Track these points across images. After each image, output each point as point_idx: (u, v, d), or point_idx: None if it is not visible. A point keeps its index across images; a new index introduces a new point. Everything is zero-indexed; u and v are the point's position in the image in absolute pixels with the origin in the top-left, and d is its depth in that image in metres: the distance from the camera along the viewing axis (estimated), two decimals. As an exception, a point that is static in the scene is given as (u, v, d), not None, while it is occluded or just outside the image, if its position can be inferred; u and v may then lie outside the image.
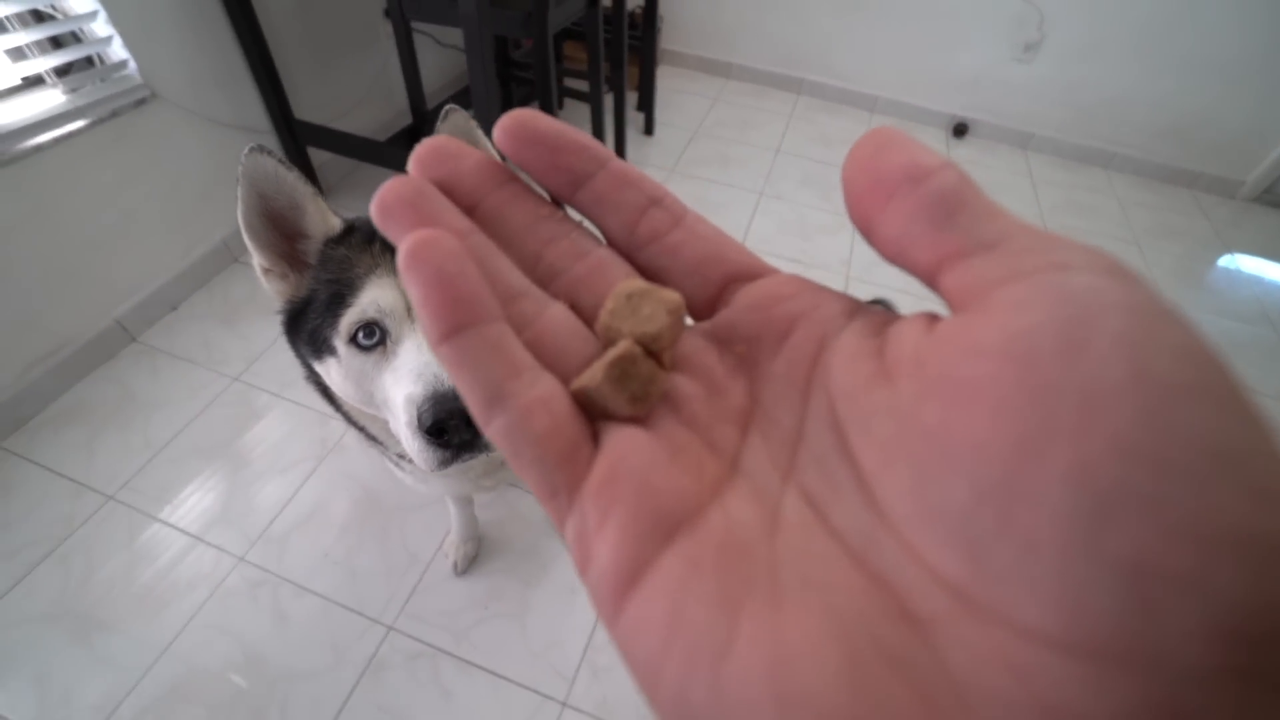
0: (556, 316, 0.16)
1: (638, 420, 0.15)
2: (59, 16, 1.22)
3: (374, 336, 0.52)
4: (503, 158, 0.17)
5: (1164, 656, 0.08)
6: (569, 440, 0.14)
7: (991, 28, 2.45)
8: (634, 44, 2.18)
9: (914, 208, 0.14)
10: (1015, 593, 0.10)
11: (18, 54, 1.17)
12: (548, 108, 1.68)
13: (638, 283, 0.15)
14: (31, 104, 1.20)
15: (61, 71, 1.25)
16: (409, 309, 0.53)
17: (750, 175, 2.27)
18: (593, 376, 0.14)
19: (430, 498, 1.24)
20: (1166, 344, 0.10)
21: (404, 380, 0.51)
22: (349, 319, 0.51)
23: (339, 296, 0.52)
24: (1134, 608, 0.09)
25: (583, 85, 1.98)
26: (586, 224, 0.18)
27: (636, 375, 0.14)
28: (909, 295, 1.69)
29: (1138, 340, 0.10)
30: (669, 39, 2.85)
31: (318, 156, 1.80)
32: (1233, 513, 0.09)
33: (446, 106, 0.55)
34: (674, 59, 2.92)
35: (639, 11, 2.17)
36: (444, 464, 0.54)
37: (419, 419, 0.50)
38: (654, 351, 0.14)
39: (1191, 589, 0.08)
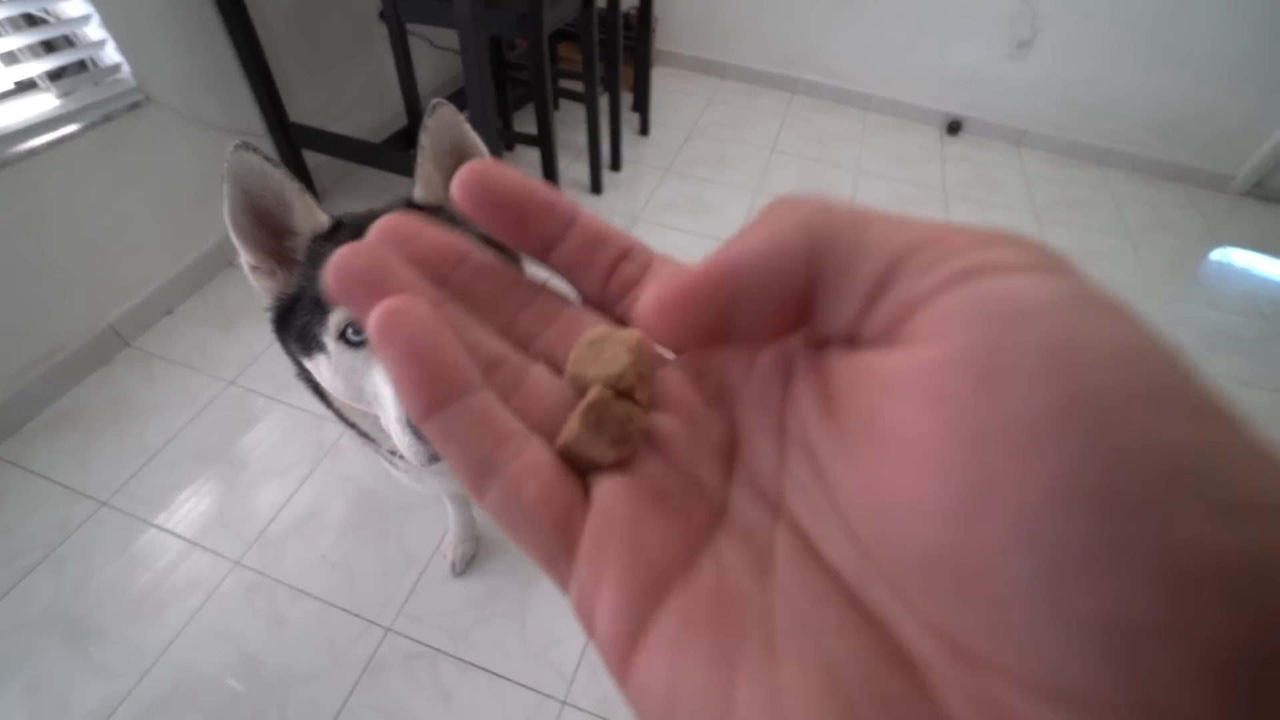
0: (540, 378, 0.16)
1: (624, 463, 0.14)
2: (51, 20, 1.22)
3: (362, 333, 0.52)
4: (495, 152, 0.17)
5: (1156, 705, 0.08)
6: (561, 504, 0.13)
7: (984, 25, 2.46)
8: (629, 45, 2.19)
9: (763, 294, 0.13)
10: (996, 646, 0.09)
11: (10, 58, 1.17)
12: (543, 109, 1.69)
13: (598, 329, 0.15)
14: (24, 108, 1.19)
15: (54, 75, 1.25)
16: None
17: (745, 174, 2.27)
18: (570, 430, 0.14)
19: (427, 497, 1.24)
20: (1100, 349, 0.09)
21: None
22: (338, 316, 0.51)
23: (325, 294, 0.52)
24: (1116, 663, 0.08)
25: (578, 86, 1.98)
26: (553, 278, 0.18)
27: (612, 418, 0.14)
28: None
29: (1066, 353, 0.09)
30: (664, 39, 2.85)
31: (313, 159, 1.80)
32: (1202, 541, 0.08)
33: (433, 101, 0.55)
34: (669, 59, 2.93)
35: (634, 12, 2.17)
36: (434, 459, 0.54)
37: (409, 416, 0.50)
38: (624, 391, 0.14)
39: (1172, 637, 0.08)
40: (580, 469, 0.14)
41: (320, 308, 0.51)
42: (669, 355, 0.16)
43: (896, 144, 2.59)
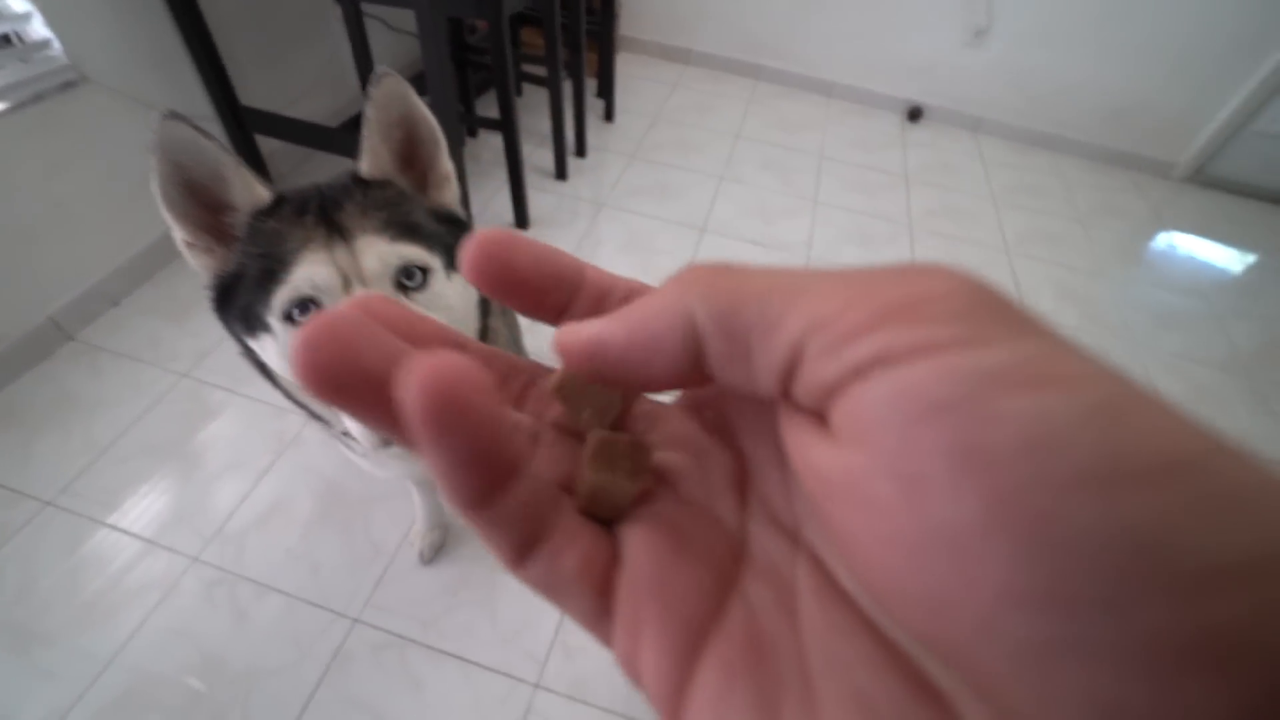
0: (550, 437, 0.16)
1: (644, 506, 0.14)
2: (-28, -8, 1.15)
3: (309, 313, 0.51)
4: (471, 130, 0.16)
5: None
6: (599, 568, 0.13)
7: (943, 14, 2.51)
8: (592, 30, 2.16)
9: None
10: (1004, 698, 0.09)
11: (-73, 32, 1.10)
12: (505, 93, 1.66)
13: (577, 375, 0.15)
14: (-55, 86, 1.12)
15: (-22, 52, 1.18)
16: (345, 283, 0.51)
17: (710, 160, 2.28)
18: (585, 482, 0.14)
19: (392, 484, 1.22)
20: (1011, 440, 0.08)
21: None
22: (282, 296, 0.49)
23: (270, 272, 0.49)
24: None
25: (541, 71, 1.95)
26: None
27: (621, 453, 0.14)
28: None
29: (977, 453, 0.08)
30: (628, 25, 2.83)
31: (266, 145, 1.74)
32: (1171, 627, 0.07)
33: (378, 70, 0.54)
34: (633, 45, 2.91)
35: (595, -4, 2.15)
36: (386, 444, 0.53)
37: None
38: (620, 425, 0.14)
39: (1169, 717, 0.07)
40: (604, 516, 0.14)
41: (263, 286, 0.49)
42: (664, 398, 0.16)
43: (859, 130, 2.62)
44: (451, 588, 1.11)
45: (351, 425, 0.51)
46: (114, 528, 1.14)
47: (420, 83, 1.86)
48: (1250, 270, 2.34)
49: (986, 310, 0.10)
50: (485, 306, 0.70)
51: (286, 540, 1.16)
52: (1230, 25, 2.32)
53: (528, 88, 2.41)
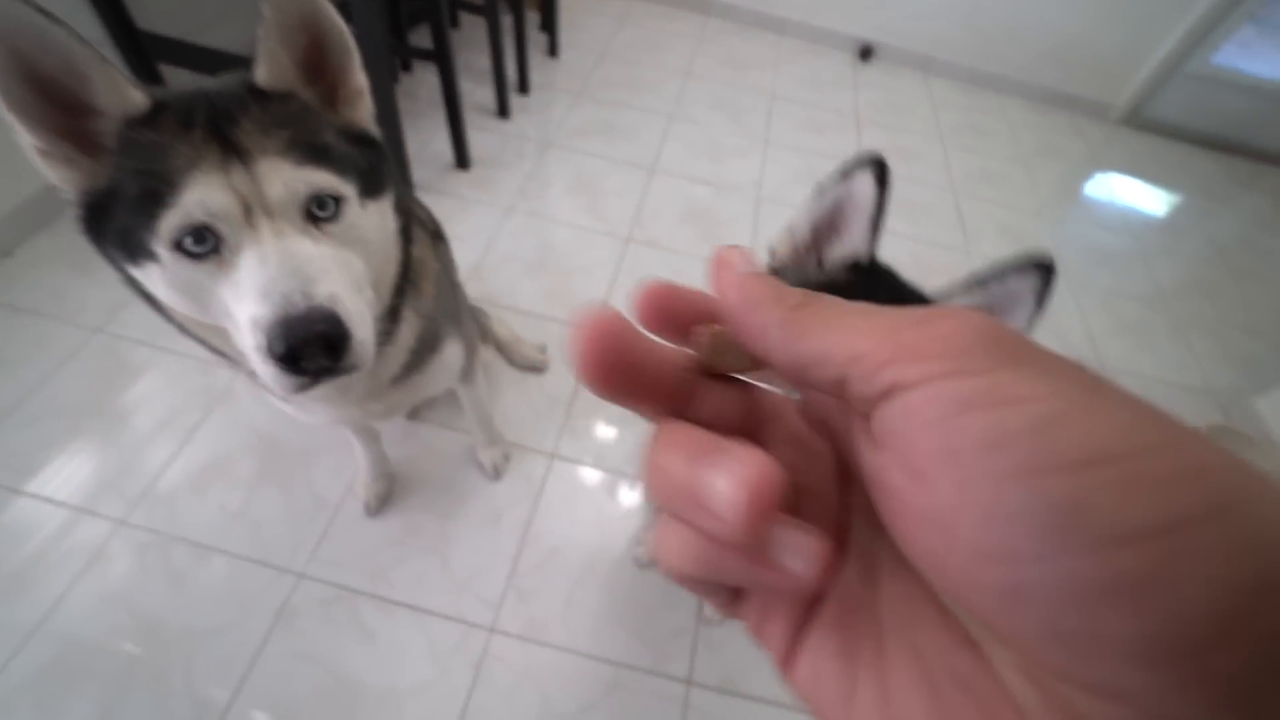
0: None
1: (758, 366, 0.17)
2: None
3: (205, 243, 0.45)
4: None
5: (1118, 689, 0.11)
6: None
7: (893, -54, 2.44)
8: (530, -46, 2.02)
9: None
10: (1000, 632, 0.12)
11: None
12: (438, 21, 1.54)
13: (728, 334, 0.18)
14: None
15: None
16: (247, 211, 0.46)
17: (660, 99, 2.20)
18: (703, 345, 0.18)
19: (330, 434, 1.17)
20: (974, 442, 0.11)
21: (248, 298, 0.45)
22: (171, 222, 0.44)
23: (153, 193, 0.43)
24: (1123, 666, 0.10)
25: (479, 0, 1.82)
26: None
27: (729, 345, 0.17)
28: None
29: (952, 456, 0.12)
30: (570, -47, 2.66)
31: (175, 76, 1.57)
32: (1096, 573, 0.10)
33: None
34: (577, -24, 2.74)
35: (533, -84, 2.00)
36: (300, 389, 0.49)
37: (268, 346, 0.44)
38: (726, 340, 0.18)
39: (1091, 641, 0.10)
40: (720, 374, 0.18)
41: (145, 209, 0.43)
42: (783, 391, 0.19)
43: (811, 69, 2.57)
44: (400, 537, 1.09)
45: (262, 368, 0.47)
46: (34, 496, 1.06)
47: (347, 9, 1.72)
48: (1175, 211, 2.45)
49: (980, 347, 0.12)
50: (407, 235, 0.65)
51: (222, 498, 1.10)
52: (1170, -37, 2.34)
53: (466, 19, 2.25)
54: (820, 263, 0.59)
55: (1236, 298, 2.04)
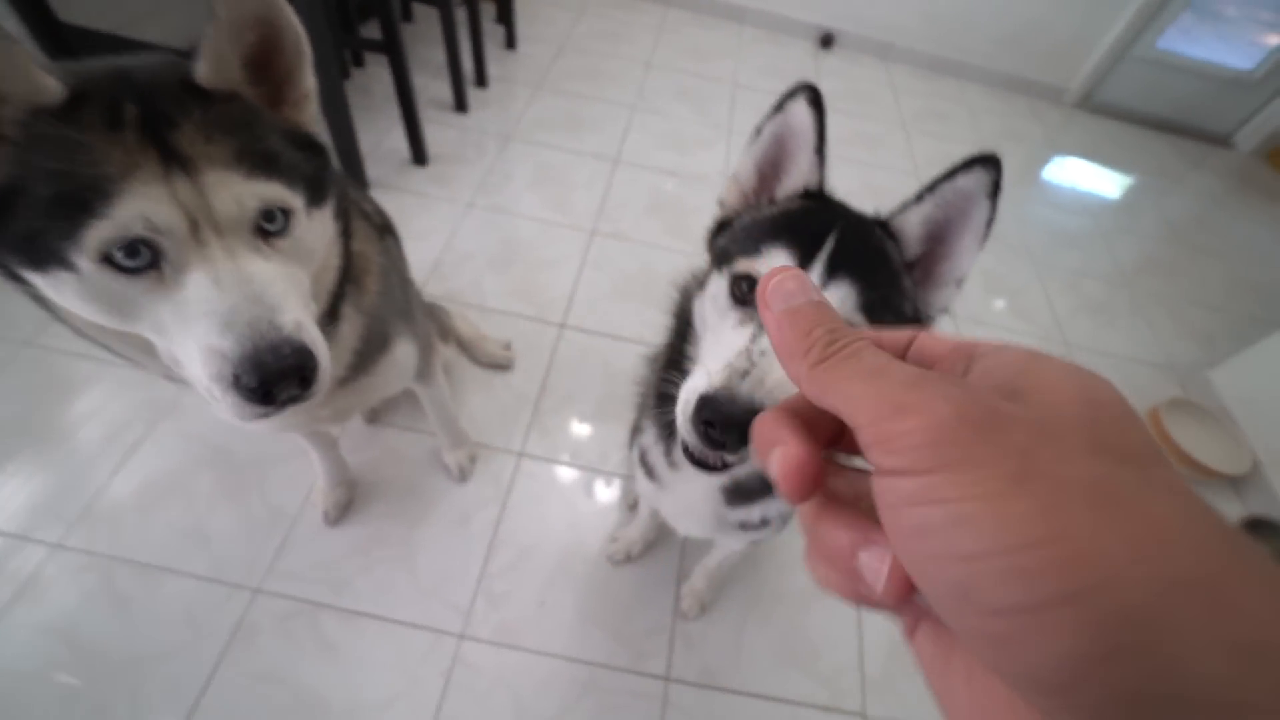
0: None
1: None
2: None
3: (139, 257, 0.41)
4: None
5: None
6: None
7: (849, -66, 2.45)
8: (483, -57, 1.97)
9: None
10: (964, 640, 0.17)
11: None
12: (389, 17, 1.48)
13: None
14: None
15: None
16: (194, 227, 0.42)
17: (622, 90, 2.17)
18: None
19: (285, 442, 1.12)
20: (911, 519, 0.16)
21: (202, 325, 0.42)
22: (101, 234, 0.39)
23: (75, 199, 0.39)
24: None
25: (429, -10, 1.76)
26: None
27: None
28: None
29: (917, 535, 0.16)
30: (525, -56, 2.60)
31: (103, 73, 1.48)
32: (983, 629, 0.15)
33: None
34: (533, -32, 2.69)
35: (485, -96, 1.95)
36: (263, 417, 0.46)
37: (236, 379, 0.42)
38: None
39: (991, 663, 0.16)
40: None
41: (64, 215, 0.39)
42: None
43: (772, 58, 2.57)
44: (363, 547, 1.04)
45: (221, 397, 0.43)
46: (-50, 520, 0.98)
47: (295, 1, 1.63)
48: (1131, 191, 2.51)
49: (933, 447, 0.15)
50: (346, 232, 0.61)
51: (169, 514, 1.04)
52: (1117, -52, 2.39)
53: (419, 10, 2.19)
54: (772, 200, 0.57)
55: (1191, 274, 2.09)
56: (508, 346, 1.31)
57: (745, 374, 0.40)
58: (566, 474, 1.19)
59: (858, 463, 0.22)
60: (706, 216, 0.61)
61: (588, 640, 0.99)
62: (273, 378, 0.43)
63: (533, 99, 2.04)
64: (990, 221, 0.47)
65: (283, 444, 1.12)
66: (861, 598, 0.19)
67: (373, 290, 0.69)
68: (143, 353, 0.49)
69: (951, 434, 0.15)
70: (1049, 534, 0.13)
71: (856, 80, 2.58)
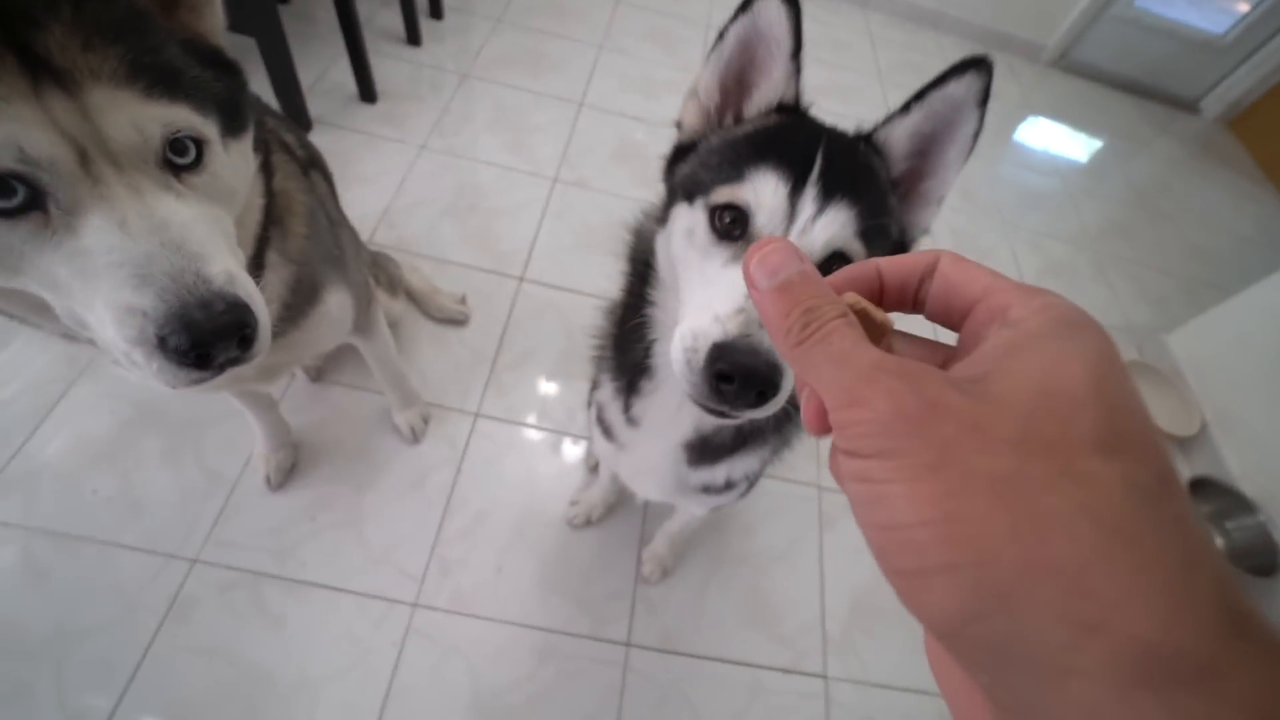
0: None
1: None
2: None
3: (13, 196, 0.34)
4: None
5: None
6: None
7: None
8: None
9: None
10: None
11: None
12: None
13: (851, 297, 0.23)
14: None
15: None
16: (84, 159, 0.35)
17: (589, 28, 2.03)
18: (858, 301, 0.22)
19: (220, 402, 1.04)
20: (857, 493, 0.19)
21: (110, 278, 0.36)
22: None
23: None
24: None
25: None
26: None
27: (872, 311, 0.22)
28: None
29: (853, 500, 0.19)
30: None
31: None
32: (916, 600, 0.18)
33: None
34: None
35: None
36: (197, 383, 0.40)
37: (161, 340, 0.36)
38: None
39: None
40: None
41: None
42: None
43: None
44: (309, 512, 0.99)
45: (143, 362, 0.37)
46: None
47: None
48: (1098, 153, 2.51)
49: (880, 435, 0.17)
50: (267, 168, 0.54)
51: (94, 481, 0.96)
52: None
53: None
54: (739, 119, 0.51)
55: (1151, 239, 2.12)
56: (463, 300, 1.24)
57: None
58: (525, 435, 1.14)
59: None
60: (675, 162, 0.55)
61: (547, 606, 0.97)
62: (207, 337, 0.37)
63: (492, 33, 1.89)
64: (977, 134, 0.44)
65: (220, 403, 1.04)
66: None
67: (299, 233, 0.62)
68: (33, 311, 0.42)
69: (889, 427, 0.17)
70: (943, 515, 0.16)
71: (833, 27, 2.48)
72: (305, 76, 1.45)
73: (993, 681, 0.16)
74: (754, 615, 1.03)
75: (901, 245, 0.49)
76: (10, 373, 1.03)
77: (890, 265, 0.23)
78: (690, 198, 0.45)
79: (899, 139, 0.46)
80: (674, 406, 0.56)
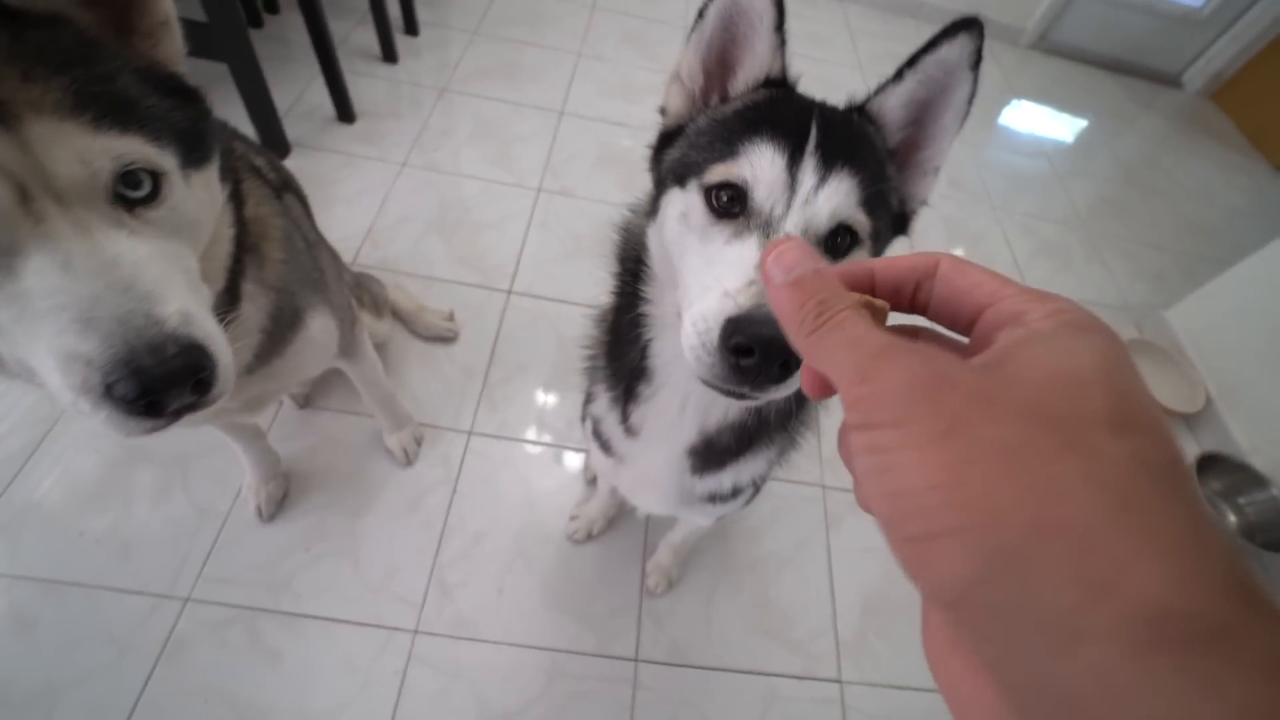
0: None
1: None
2: None
3: None
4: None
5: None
6: None
7: None
8: None
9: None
10: None
11: None
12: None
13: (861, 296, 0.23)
14: None
15: None
16: (24, 198, 0.33)
17: (565, 35, 2.02)
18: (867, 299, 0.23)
19: (206, 435, 1.02)
20: (866, 465, 0.19)
21: (51, 322, 0.34)
22: None
23: None
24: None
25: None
26: None
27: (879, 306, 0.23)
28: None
29: (858, 473, 0.20)
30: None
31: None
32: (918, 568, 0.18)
33: None
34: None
35: None
36: (150, 432, 0.38)
37: (106, 388, 0.34)
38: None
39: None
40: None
41: None
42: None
43: (725, 0, 2.43)
44: (303, 542, 0.96)
45: (91, 412, 0.35)
46: None
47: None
48: (1084, 133, 2.50)
49: (890, 408, 0.18)
50: (237, 197, 0.52)
51: (81, 521, 0.94)
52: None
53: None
54: (725, 99, 0.49)
55: (1144, 215, 2.11)
56: (450, 317, 1.22)
57: None
58: (520, 451, 1.12)
59: None
60: (657, 165, 0.53)
61: (551, 625, 0.95)
62: (156, 384, 0.35)
63: (469, 46, 1.88)
64: (972, 97, 0.44)
65: (208, 434, 1.02)
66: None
67: (276, 259, 0.60)
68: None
69: (900, 396, 0.17)
70: (952, 480, 0.16)
71: (812, 22, 2.47)
72: (281, 100, 1.43)
73: (1000, 654, 0.16)
74: (764, 622, 1.01)
75: (902, 217, 0.48)
76: (-9, 416, 1.01)
77: (885, 268, 0.24)
78: (682, 181, 0.44)
79: (893, 108, 0.46)
80: (675, 409, 0.54)
